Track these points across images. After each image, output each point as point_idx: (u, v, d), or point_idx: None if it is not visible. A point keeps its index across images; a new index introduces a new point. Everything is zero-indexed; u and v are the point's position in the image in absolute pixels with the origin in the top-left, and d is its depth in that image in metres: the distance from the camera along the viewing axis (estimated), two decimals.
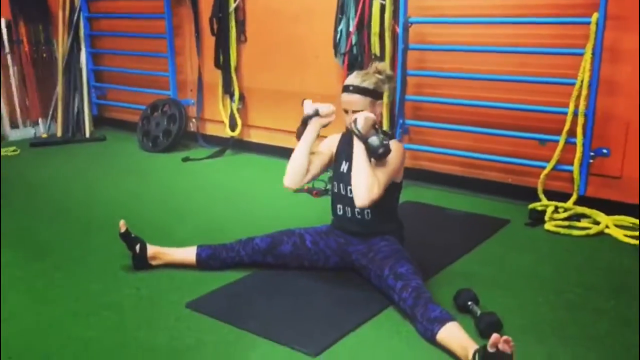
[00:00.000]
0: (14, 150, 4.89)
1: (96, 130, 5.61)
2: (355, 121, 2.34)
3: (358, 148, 2.34)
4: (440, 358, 1.97)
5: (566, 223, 3.21)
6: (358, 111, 2.39)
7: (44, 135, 5.45)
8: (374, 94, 2.42)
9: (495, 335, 1.78)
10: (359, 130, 2.32)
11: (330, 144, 2.62)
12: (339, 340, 2.09)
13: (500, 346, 1.77)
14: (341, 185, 2.53)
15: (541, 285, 2.54)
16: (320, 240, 2.61)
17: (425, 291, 2.20)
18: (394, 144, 2.42)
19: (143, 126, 5.06)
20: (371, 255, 2.44)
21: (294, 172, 2.49)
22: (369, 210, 2.46)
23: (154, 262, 2.66)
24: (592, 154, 3.27)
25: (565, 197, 3.39)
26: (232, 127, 4.83)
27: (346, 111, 2.44)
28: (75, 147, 5.19)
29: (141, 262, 2.64)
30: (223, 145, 4.88)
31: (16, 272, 2.63)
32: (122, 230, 2.65)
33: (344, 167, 2.53)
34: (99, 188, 3.97)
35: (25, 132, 5.47)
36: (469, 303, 2.26)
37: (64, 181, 4.14)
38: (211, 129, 5.09)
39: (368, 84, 2.41)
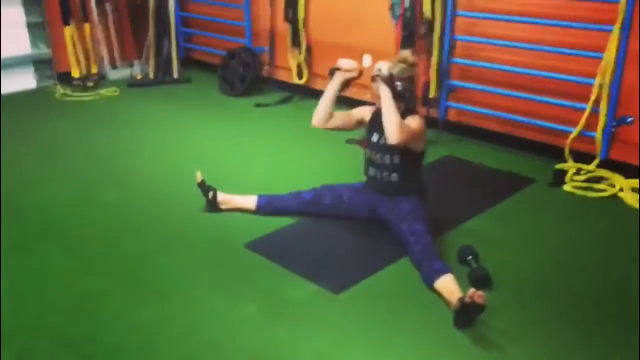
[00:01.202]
0: (114, 91, 5.67)
1: (183, 70, 6.28)
2: (380, 70, 2.82)
3: (385, 92, 2.79)
4: (435, 302, 2.51)
5: (585, 185, 3.56)
6: None
7: (139, 77, 6.18)
8: None
9: (471, 290, 2.30)
10: (384, 75, 2.80)
11: (362, 112, 3.10)
12: (359, 282, 2.67)
13: (475, 298, 2.28)
14: (372, 151, 3.03)
15: (540, 245, 2.98)
16: (355, 196, 3.15)
17: (432, 247, 2.72)
18: (414, 118, 2.88)
19: (222, 72, 5.67)
20: (395, 212, 2.96)
21: (318, 113, 3.05)
22: (395, 174, 2.97)
23: (223, 207, 3.31)
24: (614, 123, 3.55)
25: (593, 159, 3.71)
26: (300, 75, 5.34)
27: (373, 95, 2.91)
28: (165, 88, 5.91)
29: (213, 206, 3.30)
30: (292, 90, 5.42)
31: (121, 208, 3.37)
32: (199, 180, 3.31)
33: (374, 137, 3.01)
34: (185, 130, 4.68)
35: (123, 72, 6.22)
36: (469, 257, 2.76)
37: (156, 123, 4.86)
38: (282, 75, 5.62)
39: (394, 72, 2.83)
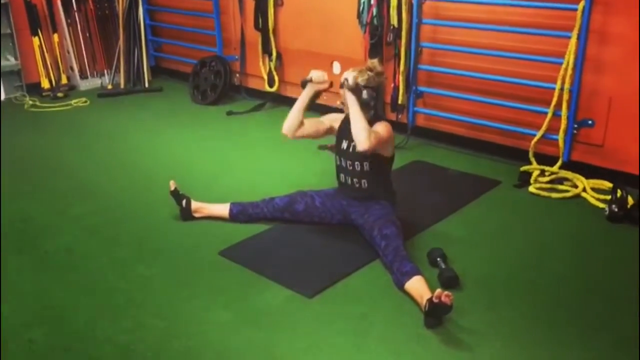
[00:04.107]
0: (84, 101, 5.65)
1: (154, 79, 6.29)
2: (347, 79, 2.89)
3: (352, 100, 2.86)
4: (407, 303, 2.58)
5: (549, 186, 3.68)
6: None
7: (110, 86, 6.17)
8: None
9: (438, 290, 2.37)
10: (349, 84, 2.88)
11: (332, 119, 3.16)
12: (331, 285, 2.73)
13: (442, 298, 2.36)
14: (342, 158, 3.10)
15: (507, 246, 3.08)
16: (327, 201, 3.21)
17: (403, 250, 2.78)
18: (382, 124, 2.96)
19: (193, 80, 5.70)
20: (366, 217, 3.03)
21: (289, 123, 3.12)
22: (365, 180, 3.04)
23: (196, 215, 3.34)
24: (575, 125, 3.70)
25: (556, 161, 3.83)
26: (271, 83, 5.40)
27: (343, 103, 2.98)
28: (136, 97, 5.91)
29: (186, 214, 3.33)
30: (263, 97, 5.47)
31: (94, 219, 3.38)
32: (172, 189, 3.34)
33: (344, 144, 3.08)
34: (157, 139, 4.69)
35: (93, 82, 6.21)
36: (438, 259, 2.84)
37: (128, 132, 4.87)
38: (253, 83, 5.67)
39: (361, 80, 2.91)
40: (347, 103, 2.89)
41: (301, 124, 3.11)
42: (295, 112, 3.11)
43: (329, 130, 3.19)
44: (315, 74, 3.09)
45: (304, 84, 3.09)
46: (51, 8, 5.87)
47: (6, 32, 5.66)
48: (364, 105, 2.88)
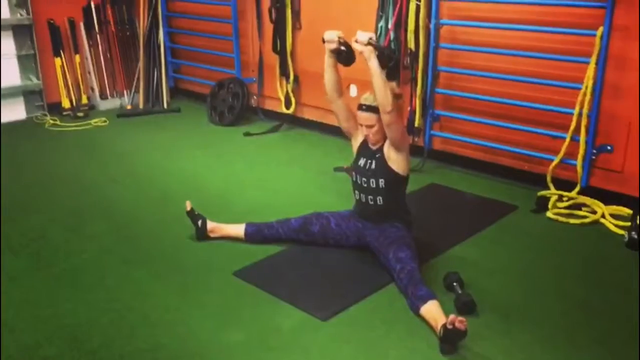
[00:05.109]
0: (104, 121, 5.73)
1: (172, 100, 6.37)
2: (371, 38, 2.91)
3: (373, 62, 2.89)
4: (422, 328, 2.55)
5: (567, 211, 3.64)
6: (370, 125, 2.94)
7: (129, 107, 6.25)
8: None
9: (452, 316, 2.34)
10: (376, 42, 2.91)
11: (359, 125, 3.10)
12: (346, 308, 2.70)
13: (456, 324, 2.33)
14: (358, 176, 3.09)
15: (524, 271, 3.04)
16: (343, 223, 3.20)
17: (418, 274, 2.76)
18: None
19: (211, 102, 5.76)
20: (381, 240, 3.01)
21: (325, 83, 3.22)
22: (380, 197, 3.03)
23: (212, 235, 3.35)
24: (594, 150, 3.66)
25: (575, 186, 3.80)
26: (288, 105, 5.44)
27: (361, 125, 2.99)
28: (154, 118, 5.98)
29: (202, 234, 3.34)
30: (280, 119, 5.51)
31: (110, 238, 3.39)
32: (188, 209, 3.35)
33: (361, 161, 3.09)
34: (175, 159, 4.73)
35: (113, 103, 6.29)
36: (454, 284, 2.81)
37: (145, 152, 4.91)
38: (270, 105, 5.72)
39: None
40: (368, 61, 2.90)
41: (338, 90, 3.19)
42: (325, 72, 3.20)
43: (352, 129, 3.15)
44: (326, 34, 3.12)
45: (323, 42, 3.14)
46: (74, 30, 5.99)
47: (29, 53, 5.77)
48: (383, 55, 2.90)
